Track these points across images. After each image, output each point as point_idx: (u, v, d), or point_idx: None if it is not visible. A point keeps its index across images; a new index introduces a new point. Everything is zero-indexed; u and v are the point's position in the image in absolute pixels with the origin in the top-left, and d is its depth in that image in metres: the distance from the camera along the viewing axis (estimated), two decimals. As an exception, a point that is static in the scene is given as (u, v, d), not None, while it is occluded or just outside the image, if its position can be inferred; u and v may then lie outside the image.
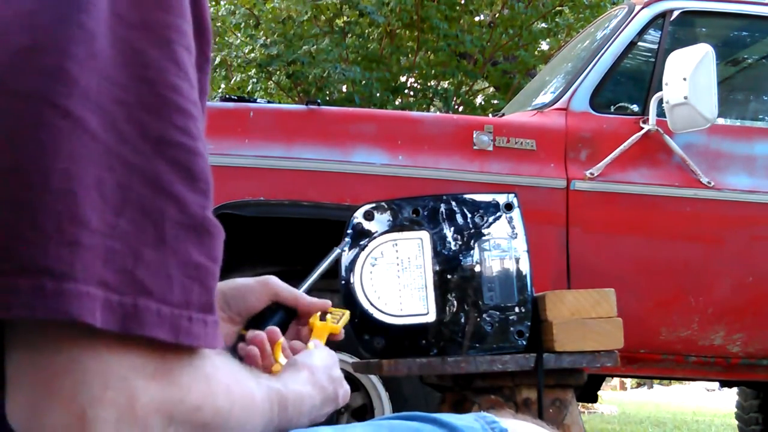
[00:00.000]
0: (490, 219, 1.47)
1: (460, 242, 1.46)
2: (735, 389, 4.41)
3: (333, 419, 2.44)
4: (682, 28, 2.86)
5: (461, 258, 1.45)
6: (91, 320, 0.39)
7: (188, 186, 0.44)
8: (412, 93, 7.64)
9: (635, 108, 2.68)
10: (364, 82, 6.33)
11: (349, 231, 1.47)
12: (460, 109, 7.25)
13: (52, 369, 0.40)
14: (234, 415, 0.48)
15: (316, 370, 0.72)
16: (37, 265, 0.38)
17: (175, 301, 0.43)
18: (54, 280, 0.38)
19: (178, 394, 0.43)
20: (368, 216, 1.47)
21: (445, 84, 7.55)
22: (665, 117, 2.48)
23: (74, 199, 0.39)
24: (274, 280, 0.88)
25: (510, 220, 1.47)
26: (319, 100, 2.58)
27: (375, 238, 1.45)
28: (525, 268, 1.45)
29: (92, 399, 0.40)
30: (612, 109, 2.67)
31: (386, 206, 1.48)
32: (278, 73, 6.93)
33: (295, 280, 0.94)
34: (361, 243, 1.46)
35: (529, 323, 1.43)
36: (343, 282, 1.46)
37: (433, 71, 7.33)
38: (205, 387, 0.45)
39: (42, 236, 0.39)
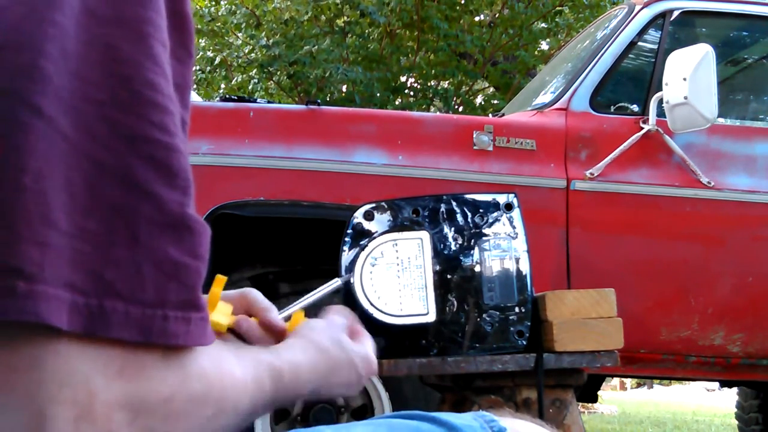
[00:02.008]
0: (490, 219, 1.47)
1: (460, 242, 1.46)
2: (735, 389, 4.41)
3: (334, 420, 2.44)
4: (682, 28, 2.86)
5: (461, 258, 1.45)
6: (58, 322, 0.39)
7: (165, 183, 0.44)
8: (412, 93, 7.64)
9: (635, 108, 2.68)
10: (364, 82, 6.33)
11: (349, 231, 1.47)
12: (460, 109, 7.26)
13: (10, 368, 0.39)
14: (212, 399, 0.47)
15: (315, 335, 0.69)
16: (8, 266, 0.38)
17: (147, 300, 0.42)
18: (24, 281, 0.38)
19: (144, 389, 0.43)
20: (368, 216, 1.48)
21: (445, 84, 7.55)
22: (665, 117, 2.48)
23: (45, 200, 0.39)
24: (252, 294, 0.86)
25: (510, 220, 1.47)
26: (319, 100, 2.58)
27: (375, 238, 1.45)
28: (525, 268, 1.45)
29: (50, 397, 0.39)
30: (612, 109, 2.67)
31: (386, 206, 1.48)
32: (279, 73, 6.93)
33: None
34: (361, 243, 1.46)
35: (529, 323, 1.43)
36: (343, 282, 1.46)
37: (433, 71, 7.33)
38: (178, 379, 0.45)
39: (14, 236, 0.38)
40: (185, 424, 0.46)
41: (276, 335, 0.75)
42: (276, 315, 0.84)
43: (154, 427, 0.44)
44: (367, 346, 0.75)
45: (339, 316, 0.77)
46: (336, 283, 1.00)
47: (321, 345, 0.68)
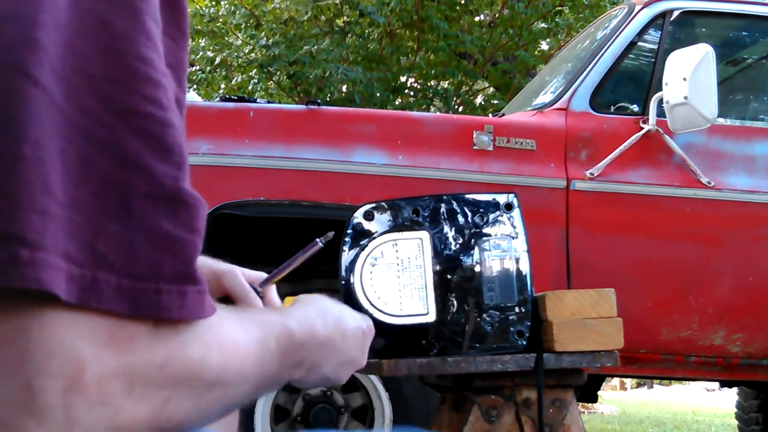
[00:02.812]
0: (490, 219, 1.47)
1: (460, 242, 1.46)
2: (735, 389, 4.41)
3: (334, 420, 2.44)
4: (682, 28, 2.86)
5: (461, 258, 1.45)
6: (59, 291, 0.39)
7: (158, 157, 0.44)
8: (412, 93, 7.64)
9: (635, 108, 2.68)
10: (364, 82, 6.33)
11: (349, 231, 1.47)
12: (460, 109, 7.25)
13: None
14: (213, 365, 0.47)
15: (316, 301, 0.70)
16: (11, 234, 0.38)
17: (139, 273, 0.42)
18: (27, 249, 0.38)
19: (135, 359, 0.42)
20: (368, 216, 1.48)
21: (445, 84, 7.55)
22: (665, 117, 2.48)
23: (44, 169, 0.39)
24: (230, 276, 0.84)
25: (510, 220, 1.47)
26: (319, 100, 2.58)
27: (375, 238, 1.45)
28: (525, 268, 1.45)
29: (37, 369, 0.39)
30: (612, 109, 2.67)
31: (386, 206, 1.48)
32: (279, 73, 6.93)
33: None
34: (361, 243, 1.46)
35: (529, 323, 1.43)
36: (343, 282, 1.46)
37: (433, 71, 7.33)
38: (171, 347, 0.44)
39: (17, 205, 0.38)
40: (187, 391, 0.45)
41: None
42: (257, 302, 0.84)
43: (154, 395, 0.43)
44: (361, 315, 0.76)
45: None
46: (317, 245, 0.94)
47: (326, 307, 0.69)
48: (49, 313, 0.40)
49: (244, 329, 0.52)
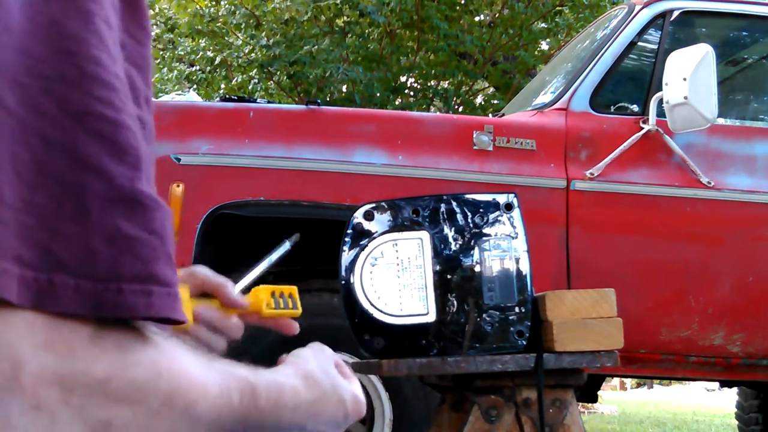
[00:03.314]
0: (490, 219, 1.47)
1: (460, 242, 1.46)
2: (735, 389, 4.41)
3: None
4: (682, 28, 2.86)
5: (461, 258, 1.45)
6: (9, 296, 0.39)
7: (114, 158, 0.43)
8: (412, 93, 7.64)
9: (635, 108, 2.68)
10: (364, 82, 6.33)
11: (349, 231, 1.47)
12: (460, 109, 7.25)
13: None
14: (160, 391, 0.45)
15: (302, 362, 0.66)
16: None
17: (98, 274, 0.42)
18: None
19: (75, 365, 0.41)
20: (368, 216, 1.48)
21: (445, 84, 7.55)
22: (665, 117, 2.48)
23: None
24: (202, 272, 0.81)
25: (510, 220, 1.47)
26: (319, 101, 2.58)
27: (375, 238, 1.45)
28: (525, 268, 1.45)
29: None
30: (612, 109, 2.67)
31: (386, 206, 1.48)
32: (279, 73, 6.93)
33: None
34: (361, 243, 1.46)
35: (529, 323, 1.43)
36: (342, 282, 1.46)
37: (433, 71, 7.33)
38: (114, 360, 0.43)
39: None
40: (129, 414, 0.44)
41: (241, 316, 0.73)
42: (233, 290, 0.82)
43: (93, 410, 0.42)
44: (355, 386, 0.71)
45: (327, 348, 0.73)
46: (284, 246, 0.95)
47: (308, 372, 0.65)
48: None
49: (206, 372, 0.50)
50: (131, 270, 0.43)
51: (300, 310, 0.85)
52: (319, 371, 0.66)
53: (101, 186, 0.43)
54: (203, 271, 0.81)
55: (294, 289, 0.85)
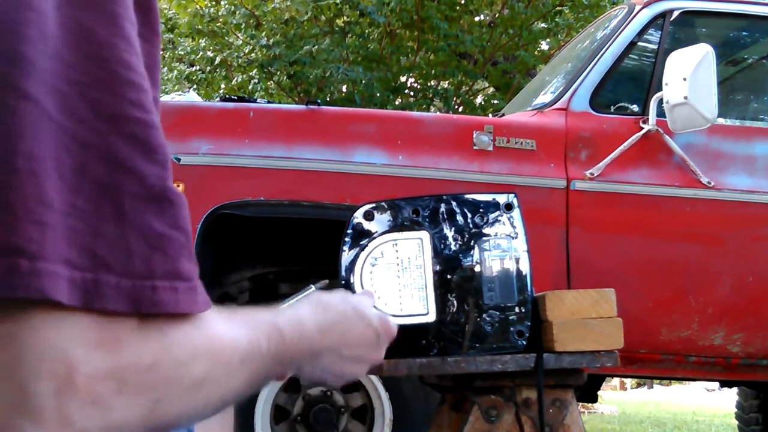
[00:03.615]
0: (490, 219, 1.47)
1: (460, 242, 1.46)
2: (735, 389, 4.41)
3: (334, 420, 2.44)
4: (682, 28, 2.86)
5: (461, 258, 1.45)
6: (61, 298, 0.40)
7: (146, 159, 0.45)
8: (412, 93, 7.64)
9: (635, 108, 2.68)
10: (364, 82, 6.33)
11: (349, 231, 1.47)
12: (460, 109, 7.25)
13: None
14: (201, 363, 0.48)
15: (324, 296, 0.70)
16: (10, 246, 0.39)
17: (136, 272, 0.43)
18: (27, 259, 0.39)
19: (125, 358, 0.43)
20: (368, 216, 1.48)
21: (445, 84, 7.55)
22: (665, 117, 2.48)
23: (38, 180, 0.40)
24: None
25: (510, 220, 1.47)
26: (319, 100, 2.58)
27: (375, 238, 1.45)
28: (525, 268, 1.45)
29: (29, 372, 0.40)
30: (612, 109, 2.67)
31: (386, 206, 1.48)
32: (279, 73, 6.93)
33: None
34: (361, 243, 1.46)
35: (529, 323, 1.43)
36: (342, 282, 1.46)
37: (433, 71, 7.32)
38: (159, 346, 0.45)
39: (13, 217, 0.39)
40: (176, 388, 0.46)
41: None
42: None
43: (145, 394, 0.44)
44: (382, 313, 0.75)
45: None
46: (310, 290, 0.98)
47: (329, 302, 0.69)
48: (40, 317, 0.40)
49: (233, 328, 0.53)
50: (162, 267, 0.45)
51: None
52: (337, 299, 0.70)
53: (135, 186, 0.44)
54: None
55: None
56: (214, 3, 7.51)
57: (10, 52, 0.41)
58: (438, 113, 6.50)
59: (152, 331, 0.45)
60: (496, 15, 7.54)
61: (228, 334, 0.52)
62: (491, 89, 8.28)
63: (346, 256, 1.46)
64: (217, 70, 7.38)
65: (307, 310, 0.65)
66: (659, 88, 2.50)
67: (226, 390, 0.51)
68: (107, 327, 0.43)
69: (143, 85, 0.46)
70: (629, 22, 2.72)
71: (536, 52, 7.57)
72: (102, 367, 0.42)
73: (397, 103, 7.14)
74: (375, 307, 0.78)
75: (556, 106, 2.61)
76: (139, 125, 0.45)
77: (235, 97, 2.65)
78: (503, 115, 3.02)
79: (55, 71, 0.42)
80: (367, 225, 1.47)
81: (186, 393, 0.47)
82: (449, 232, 1.46)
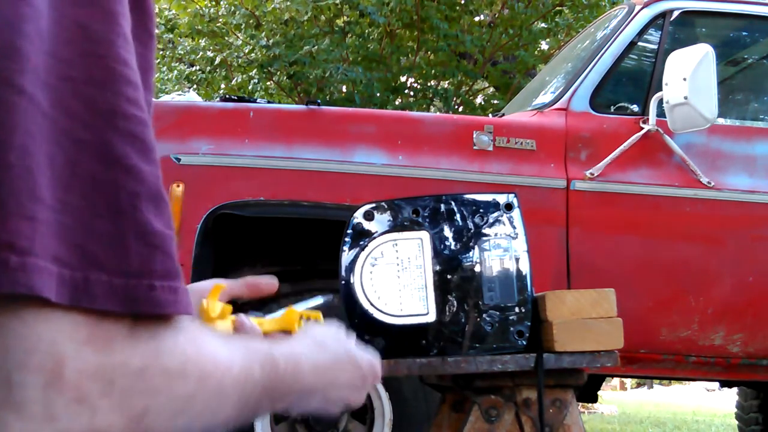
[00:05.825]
0: (490, 219, 1.47)
1: (460, 242, 1.46)
2: (735, 389, 4.41)
3: (333, 420, 2.44)
4: (682, 28, 2.86)
5: (461, 258, 1.45)
6: (48, 294, 0.40)
7: (143, 157, 0.45)
8: (412, 93, 7.64)
9: (635, 108, 2.68)
10: (364, 82, 6.33)
11: (349, 231, 1.47)
12: (460, 109, 7.25)
13: None
14: (191, 376, 0.47)
15: (318, 332, 0.69)
16: (0, 240, 0.39)
17: (131, 271, 0.43)
18: (16, 254, 0.39)
19: (114, 359, 0.43)
20: (368, 216, 1.48)
21: (445, 84, 7.55)
22: (665, 117, 2.48)
23: (31, 175, 0.40)
24: (219, 280, 0.84)
25: (510, 220, 1.47)
26: (319, 100, 2.58)
27: (375, 238, 1.45)
28: (525, 268, 1.45)
29: (17, 364, 0.40)
30: (612, 109, 2.67)
31: (386, 206, 1.48)
32: (279, 73, 6.93)
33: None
34: (361, 243, 1.46)
35: (529, 323, 1.43)
36: (343, 282, 1.46)
37: (433, 71, 7.32)
38: (149, 351, 0.45)
39: (4, 212, 0.39)
40: (164, 400, 0.46)
41: (267, 334, 0.75)
42: (255, 279, 0.84)
43: (132, 400, 0.44)
44: (371, 354, 0.74)
45: (336, 323, 0.76)
46: (318, 300, 0.98)
47: (324, 341, 0.68)
48: (29, 311, 0.40)
49: (227, 351, 0.52)
50: (161, 266, 0.44)
51: (318, 313, 0.88)
52: (334, 341, 0.69)
53: (134, 184, 0.44)
54: (222, 281, 0.83)
55: (319, 315, 0.88)
56: (214, 3, 7.51)
57: (5, 47, 0.40)
58: (438, 113, 6.50)
59: (144, 334, 0.45)
60: (496, 15, 7.54)
61: (221, 355, 0.51)
62: (491, 89, 8.28)
63: (346, 255, 1.46)
64: (217, 70, 7.38)
65: (302, 347, 0.64)
66: (659, 88, 2.50)
67: (214, 412, 0.50)
68: (98, 325, 0.42)
69: (138, 83, 0.46)
70: (629, 22, 2.72)
71: (536, 52, 7.56)
72: (91, 364, 0.42)
73: (397, 103, 7.14)
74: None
75: (556, 106, 2.61)
76: (136, 123, 0.45)
77: (235, 97, 2.65)
78: (503, 115, 3.02)
79: (49, 67, 0.42)
80: (367, 225, 1.47)
81: (173, 407, 0.46)
82: (449, 232, 1.46)
